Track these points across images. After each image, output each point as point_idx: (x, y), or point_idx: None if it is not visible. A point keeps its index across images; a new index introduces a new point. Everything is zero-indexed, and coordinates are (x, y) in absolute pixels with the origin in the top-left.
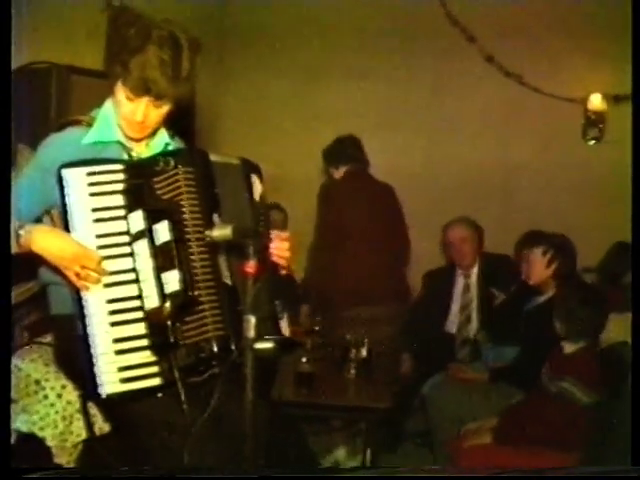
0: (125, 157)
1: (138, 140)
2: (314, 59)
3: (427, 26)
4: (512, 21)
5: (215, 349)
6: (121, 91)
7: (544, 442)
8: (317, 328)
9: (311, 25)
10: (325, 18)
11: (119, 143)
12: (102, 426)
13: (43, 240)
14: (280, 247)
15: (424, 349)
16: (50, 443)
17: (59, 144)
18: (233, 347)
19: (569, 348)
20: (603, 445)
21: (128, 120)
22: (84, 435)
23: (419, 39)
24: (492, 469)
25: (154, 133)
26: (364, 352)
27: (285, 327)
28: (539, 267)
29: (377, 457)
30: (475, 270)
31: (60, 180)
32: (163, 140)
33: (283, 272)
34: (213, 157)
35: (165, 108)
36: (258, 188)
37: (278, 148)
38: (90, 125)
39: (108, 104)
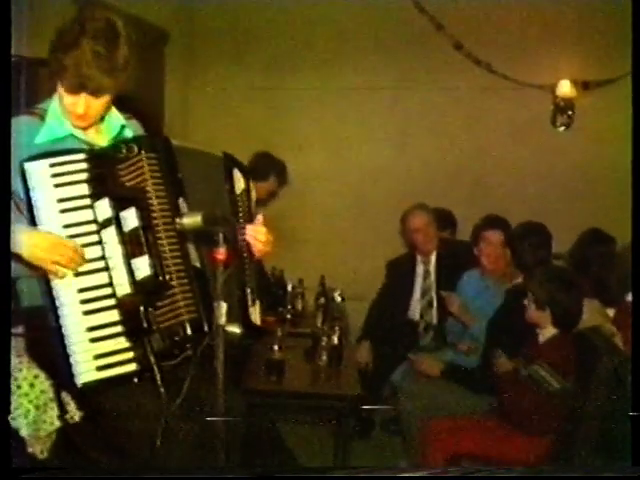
0: (85, 147)
1: (86, 129)
2: (283, 51)
3: (395, 14)
4: (480, 8)
5: (189, 332)
6: (60, 85)
7: (518, 427)
8: (289, 316)
9: (280, 17)
10: (294, 10)
11: (73, 136)
12: (75, 414)
13: (18, 241)
14: (255, 230)
15: (389, 336)
16: (23, 432)
17: (14, 131)
18: (206, 329)
19: (544, 336)
20: (573, 431)
21: (71, 112)
22: (57, 424)
23: (387, 28)
24: (466, 457)
25: (102, 118)
26: (335, 340)
27: (256, 315)
28: (496, 251)
29: (348, 445)
30: (434, 256)
31: (23, 174)
32: (118, 122)
33: (257, 256)
34: (175, 142)
35: (105, 98)
36: (240, 182)
37: (246, 140)
38: (42, 118)
39: (56, 98)
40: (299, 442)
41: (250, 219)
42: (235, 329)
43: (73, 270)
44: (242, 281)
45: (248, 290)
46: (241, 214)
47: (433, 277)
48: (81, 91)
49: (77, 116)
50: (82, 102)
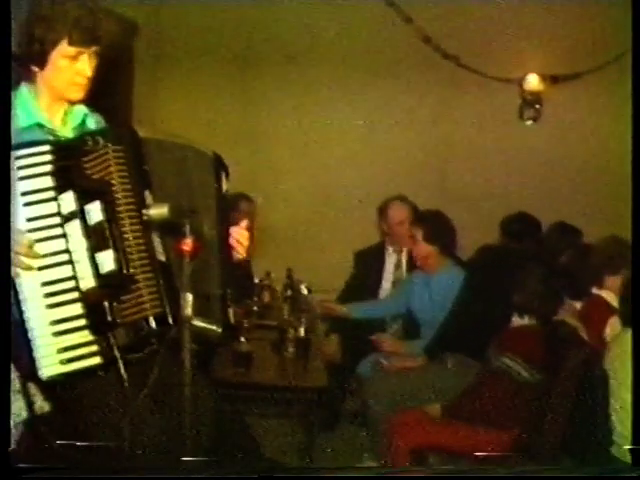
0: (50, 138)
1: (79, 102)
2: (252, 45)
3: (362, 7)
4: (449, 2)
5: (153, 326)
6: (60, 58)
7: (485, 419)
8: (255, 309)
9: (249, 11)
10: (262, 4)
11: (39, 125)
12: (42, 405)
13: None
14: (238, 232)
15: (357, 328)
16: None
17: None
18: (171, 323)
19: (517, 322)
20: (540, 423)
21: (75, 82)
22: (24, 415)
23: (354, 21)
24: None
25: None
26: (302, 332)
27: (231, 314)
28: (419, 247)
29: (314, 437)
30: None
31: None
32: (81, 112)
33: (238, 257)
34: (143, 134)
35: (95, 60)
36: (224, 183)
37: (215, 134)
38: None
39: (23, 89)
40: (266, 434)
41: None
42: (216, 328)
43: (27, 269)
44: (223, 280)
45: (229, 290)
46: (225, 215)
47: (404, 267)
48: (91, 44)
49: (82, 83)
50: (87, 61)
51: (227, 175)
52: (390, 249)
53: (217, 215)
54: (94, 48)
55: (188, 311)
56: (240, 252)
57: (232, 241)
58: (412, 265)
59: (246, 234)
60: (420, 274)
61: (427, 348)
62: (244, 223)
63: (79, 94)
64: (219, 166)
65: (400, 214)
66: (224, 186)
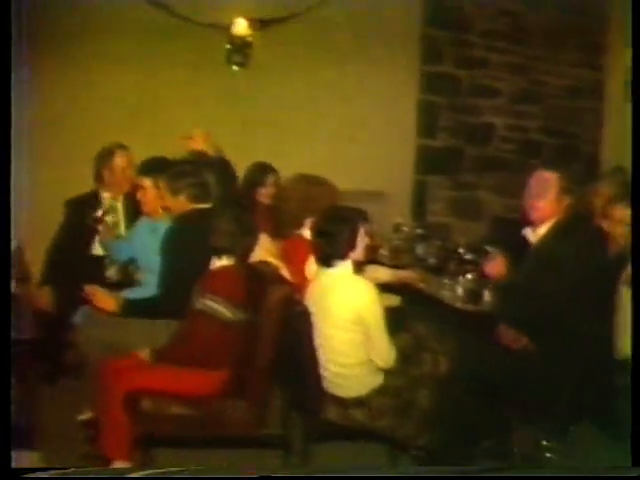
0: None
1: None
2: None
3: None
4: None
5: None
6: None
7: (194, 361)
8: None
9: None
10: None
11: None
12: None
13: None
14: None
15: (73, 276)
16: None
17: None
18: None
19: (216, 264)
20: (249, 362)
21: None
22: None
23: None
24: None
25: None
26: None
27: None
28: (153, 195)
29: (34, 389)
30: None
31: None
32: None
33: None
34: None
35: None
36: None
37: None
38: None
39: None
40: None
41: None
42: None
43: None
44: None
45: None
46: None
47: (122, 214)
48: None
49: None
50: None
51: None
52: (106, 195)
53: None
54: None
55: None
56: None
57: None
58: (134, 212)
59: None
60: (147, 221)
61: (122, 310)
62: None
63: None
64: None
65: (124, 160)
66: None
